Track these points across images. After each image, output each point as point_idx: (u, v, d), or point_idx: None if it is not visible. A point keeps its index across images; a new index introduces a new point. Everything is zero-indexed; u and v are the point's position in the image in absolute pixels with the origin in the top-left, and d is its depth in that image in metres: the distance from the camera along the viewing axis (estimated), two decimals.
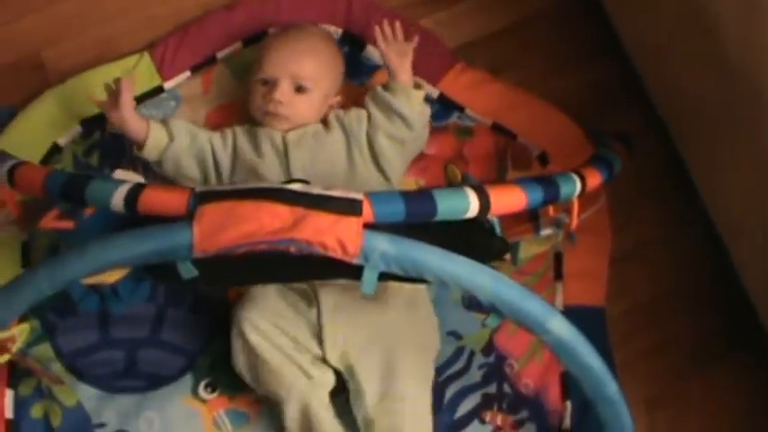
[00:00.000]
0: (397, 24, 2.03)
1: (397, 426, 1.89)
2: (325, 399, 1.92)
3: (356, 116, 2.06)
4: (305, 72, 2.03)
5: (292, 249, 1.52)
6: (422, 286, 2.02)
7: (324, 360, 1.93)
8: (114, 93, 1.96)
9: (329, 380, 1.93)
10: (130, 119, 1.97)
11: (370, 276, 1.57)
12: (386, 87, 2.03)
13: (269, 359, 1.89)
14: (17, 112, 2.18)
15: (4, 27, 2.28)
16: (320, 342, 1.92)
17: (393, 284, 1.89)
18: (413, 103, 2.02)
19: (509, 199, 1.66)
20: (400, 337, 1.94)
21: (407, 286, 1.95)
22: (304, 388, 1.89)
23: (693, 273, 2.26)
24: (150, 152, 2.01)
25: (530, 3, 2.40)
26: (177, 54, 2.23)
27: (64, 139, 2.18)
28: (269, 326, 1.90)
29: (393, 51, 2.01)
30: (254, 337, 1.89)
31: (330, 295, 1.93)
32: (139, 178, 1.78)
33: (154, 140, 2.00)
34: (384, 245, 1.53)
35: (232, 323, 1.93)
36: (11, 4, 2.29)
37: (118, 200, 1.56)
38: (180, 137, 2.03)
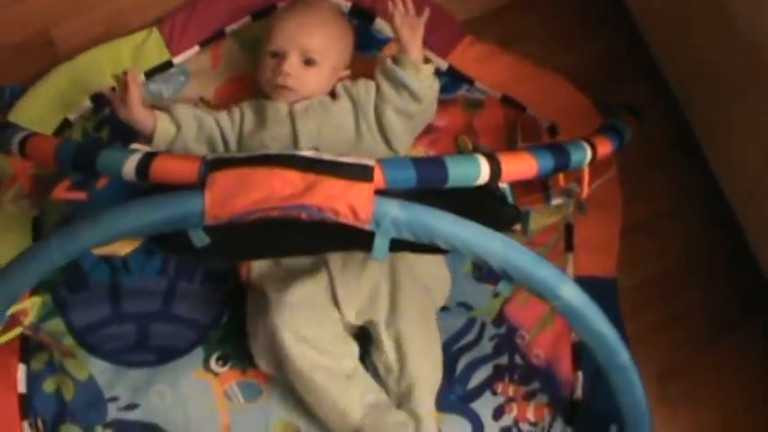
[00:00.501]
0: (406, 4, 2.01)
1: (414, 376, 1.92)
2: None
3: (364, 87, 2.06)
4: (314, 45, 2.02)
5: (303, 216, 1.52)
6: None
7: (345, 324, 1.95)
8: (121, 89, 1.94)
9: (355, 354, 1.96)
10: (138, 114, 1.95)
11: (381, 243, 1.57)
12: (395, 60, 2.02)
13: (314, 379, 1.90)
14: (27, 89, 2.18)
15: (14, 5, 2.28)
16: (337, 305, 1.94)
17: None
18: (422, 77, 2.01)
19: (520, 165, 1.66)
20: (409, 280, 1.97)
21: None
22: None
23: (704, 244, 2.26)
24: (159, 144, 1.99)
25: None
26: (186, 29, 2.23)
27: (74, 115, 2.18)
28: (301, 324, 1.90)
29: (406, 25, 1.99)
30: (290, 340, 1.88)
31: (337, 258, 1.95)
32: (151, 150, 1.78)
33: (161, 132, 1.99)
34: (395, 210, 1.53)
35: (272, 330, 1.90)
36: None
37: (129, 168, 1.56)
38: (187, 125, 2.02)
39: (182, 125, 2.00)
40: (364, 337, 1.99)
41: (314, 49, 2.03)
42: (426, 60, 2.05)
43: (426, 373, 1.95)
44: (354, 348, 1.96)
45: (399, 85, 2.01)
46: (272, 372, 1.98)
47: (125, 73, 1.93)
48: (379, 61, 2.05)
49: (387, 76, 2.03)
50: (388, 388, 1.94)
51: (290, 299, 1.89)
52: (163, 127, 1.99)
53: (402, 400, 1.93)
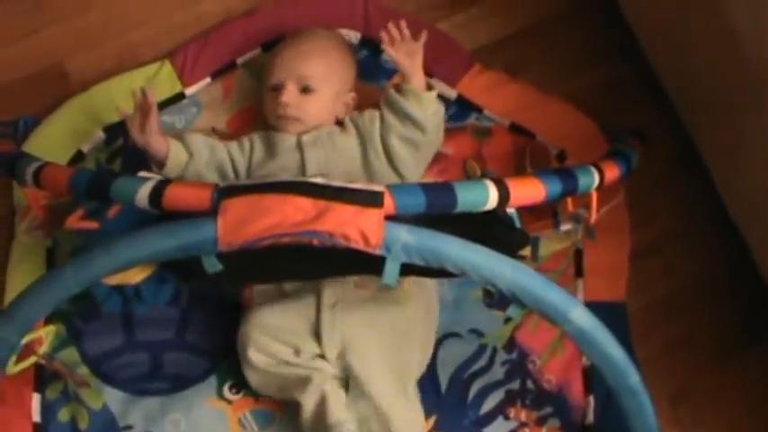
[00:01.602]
0: (403, 24, 1.98)
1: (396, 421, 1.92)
2: (336, 386, 1.92)
3: (369, 117, 2.06)
4: (309, 71, 2.04)
5: (315, 241, 1.53)
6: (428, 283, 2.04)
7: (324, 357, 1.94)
8: (140, 114, 1.96)
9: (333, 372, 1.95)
10: (153, 140, 1.97)
11: (392, 268, 1.58)
12: (398, 90, 2.02)
13: (277, 372, 1.92)
14: (41, 121, 2.21)
15: (28, 38, 2.31)
16: (319, 340, 1.93)
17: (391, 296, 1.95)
18: (425, 105, 2.00)
19: (528, 190, 1.67)
20: (398, 335, 1.95)
21: (408, 283, 1.98)
22: (316, 380, 1.89)
23: (711, 265, 2.26)
24: (171, 170, 2.00)
25: (545, 5, 2.41)
26: (198, 60, 2.26)
27: (87, 147, 2.21)
28: (269, 340, 1.92)
29: (402, 53, 1.97)
30: (256, 357, 1.92)
31: (331, 293, 1.94)
32: (162, 178, 1.79)
33: (174, 159, 2.00)
34: (405, 235, 1.54)
35: (237, 343, 1.96)
36: (34, 14, 2.32)
37: (143, 196, 1.58)
38: (199, 152, 2.03)
39: (194, 152, 2.01)
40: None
41: (310, 75, 2.04)
42: (429, 87, 2.03)
43: (411, 419, 1.96)
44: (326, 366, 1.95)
45: (402, 115, 2.00)
46: (272, 394, 1.99)
47: (143, 93, 1.95)
48: (384, 92, 2.06)
49: (390, 106, 2.03)
50: None
51: (267, 320, 1.92)
52: (176, 153, 2.00)
53: None
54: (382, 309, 1.95)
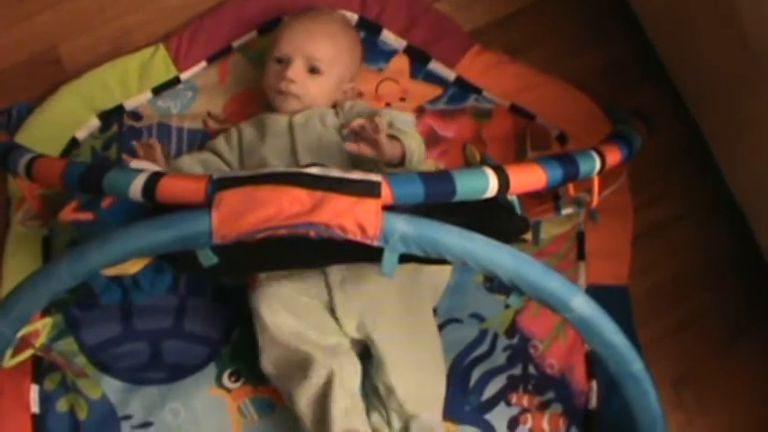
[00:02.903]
0: (359, 121, 1.84)
1: (416, 393, 1.91)
2: (349, 368, 1.91)
3: (356, 113, 2.05)
4: (319, 53, 2.03)
5: (312, 233, 1.51)
6: None
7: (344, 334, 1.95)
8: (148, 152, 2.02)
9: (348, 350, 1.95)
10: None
11: (390, 258, 1.56)
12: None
13: (295, 345, 1.90)
14: (35, 108, 2.20)
15: (21, 23, 2.30)
16: (336, 318, 1.93)
17: None
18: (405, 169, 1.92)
19: (528, 177, 1.64)
20: (408, 298, 1.96)
21: None
22: (325, 361, 1.87)
23: (715, 248, 2.25)
24: None
25: None
26: (192, 45, 2.24)
27: (82, 133, 2.19)
28: (288, 316, 1.91)
29: (364, 148, 1.84)
30: (276, 327, 1.91)
31: (336, 270, 1.94)
32: (157, 168, 1.78)
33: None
34: (403, 226, 1.52)
35: (253, 318, 1.94)
36: (26, 0, 2.29)
37: (136, 189, 1.55)
38: (193, 170, 2.05)
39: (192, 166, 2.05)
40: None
41: (320, 58, 2.03)
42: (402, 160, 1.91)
43: (429, 389, 1.95)
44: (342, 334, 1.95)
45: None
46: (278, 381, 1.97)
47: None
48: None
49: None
50: (391, 408, 1.92)
51: (282, 291, 1.92)
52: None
53: (409, 421, 1.91)
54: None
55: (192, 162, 2.06)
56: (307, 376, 1.85)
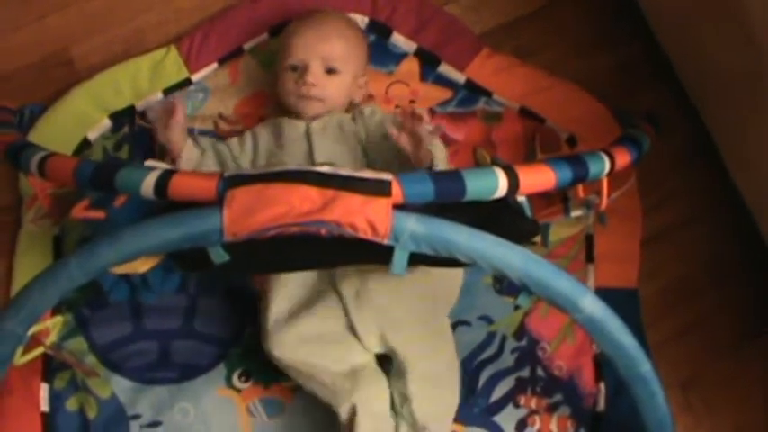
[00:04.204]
0: (411, 108, 1.91)
1: (430, 405, 1.91)
2: (375, 391, 1.92)
3: (370, 113, 2.07)
4: (334, 53, 2.03)
5: (323, 231, 1.51)
6: None
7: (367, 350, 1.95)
8: (167, 111, 1.96)
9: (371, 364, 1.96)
10: (177, 137, 1.98)
11: (400, 257, 1.56)
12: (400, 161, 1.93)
13: (318, 381, 1.92)
14: (47, 108, 2.20)
15: (33, 24, 2.30)
16: (354, 333, 1.93)
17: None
18: None
19: (538, 178, 1.64)
20: (424, 307, 1.96)
21: None
22: (347, 396, 1.89)
23: (724, 250, 2.25)
24: (183, 166, 2.01)
25: None
26: (204, 46, 2.24)
27: (93, 134, 2.20)
28: (304, 352, 1.91)
29: (406, 140, 1.83)
30: (288, 357, 1.92)
31: (350, 285, 1.94)
32: (169, 167, 1.78)
33: (188, 154, 2.01)
34: (414, 225, 1.52)
35: (261, 338, 1.94)
36: (38, 1, 2.31)
37: (148, 186, 1.55)
38: (208, 149, 2.06)
39: (205, 150, 2.04)
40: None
41: (335, 57, 2.03)
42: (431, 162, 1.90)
43: (444, 402, 1.95)
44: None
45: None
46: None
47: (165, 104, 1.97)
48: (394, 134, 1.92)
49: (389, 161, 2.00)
50: (401, 416, 1.92)
51: (300, 329, 1.92)
52: (189, 150, 2.01)
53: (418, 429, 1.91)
54: (400, 278, 1.92)
55: (208, 144, 2.07)
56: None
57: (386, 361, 1.97)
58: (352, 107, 2.11)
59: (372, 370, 1.94)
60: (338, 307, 1.93)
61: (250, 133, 2.09)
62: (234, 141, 2.08)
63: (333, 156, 1.99)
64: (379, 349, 1.95)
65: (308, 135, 2.02)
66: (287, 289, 1.95)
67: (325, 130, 2.03)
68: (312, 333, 1.91)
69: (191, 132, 2.13)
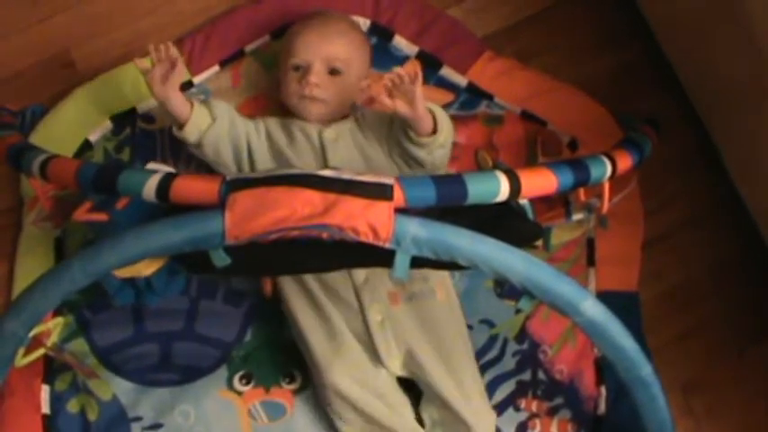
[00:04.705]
0: (398, 69, 1.81)
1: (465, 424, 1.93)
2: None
3: (376, 117, 2.06)
4: (338, 54, 2.02)
5: (324, 235, 1.52)
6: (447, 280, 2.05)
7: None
8: (162, 66, 1.88)
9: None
10: (175, 94, 1.90)
11: (402, 261, 1.56)
12: (404, 132, 1.94)
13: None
14: (48, 110, 2.20)
15: (35, 26, 2.30)
16: (378, 357, 1.93)
17: (427, 284, 1.97)
18: (431, 148, 1.93)
19: (540, 182, 1.65)
20: (447, 331, 1.97)
21: (438, 278, 1.99)
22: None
23: (726, 253, 2.25)
24: (191, 132, 1.95)
25: None
26: (205, 49, 2.24)
27: (95, 136, 2.20)
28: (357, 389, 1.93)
29: (400, 103, 1.82)
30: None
31: (375, 311, 1.94)
32: (171, 170, 1.78)
33: (196, 120, 1.94)
34: (415, 228, 1.52)
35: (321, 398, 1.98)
36: (41, 3, 2.31)
37: (150, 189, 1.56)
38: (221, 118, 1.98)
39: (217, 117, 1.97)
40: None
41: (338, 58, 2.02)
42: (435, 126, 1.91)
43: (485, 418, 1.97)
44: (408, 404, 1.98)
45: (408, 157, 1.97)
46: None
47: (165, 46, 1.88)
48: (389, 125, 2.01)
49: (396, 146, 2.00)
50: None
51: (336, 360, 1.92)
52: (198, 115, 1.95)
53: None
54: (423, 307, 1.97)
55: (225, 115, 2.01)
56: None
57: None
58: (353, 109, 2.10)
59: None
60: (362, 330, 1.95)
61: (262, 122, 2.07)
62: (251, 126, 2.05)
63: (347, 164, 1.97)
64: (401, 372, 1.96)
65: (321, 143, 2.01)
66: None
67: (339, 139, 2.02)
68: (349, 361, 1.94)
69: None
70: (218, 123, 1.97)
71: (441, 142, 1.91)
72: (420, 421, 1.97)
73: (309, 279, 1.94)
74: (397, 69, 1.80)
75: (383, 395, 1.93)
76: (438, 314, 1.97)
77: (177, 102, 1.92)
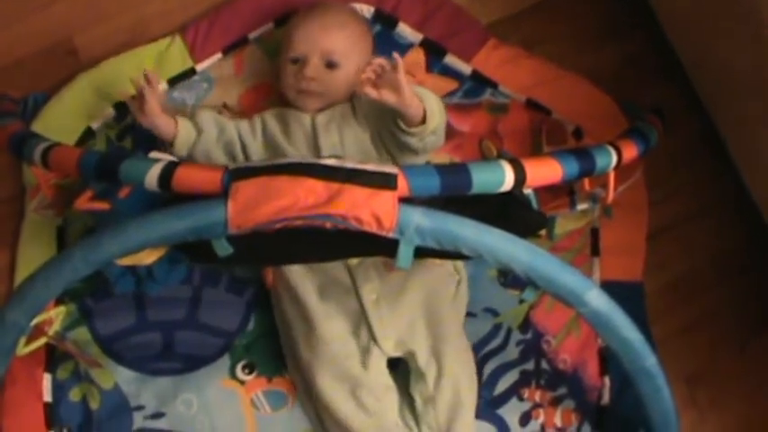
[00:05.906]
0: (378, 60, 1.80)
1: (452, 404, 1.91)
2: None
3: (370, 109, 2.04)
4: (335, 47, 2.01)
5: (328, 224, 1.51)
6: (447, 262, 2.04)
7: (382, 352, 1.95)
8: (139, 97, 1.90)
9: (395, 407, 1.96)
10: (158, 120, 1.92)
11: (405, 251, 1.56)
12: (394, 121, 1.91)
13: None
14: (50, 97, 2.19)
15: (37, 13, 2.28)
16: (373, 338, 1.93)
17: (422, 267, 1.95)
18: (422, 136, 1.91)
19: (544, 171, 1.64)
20: (441, 312, 1.96)
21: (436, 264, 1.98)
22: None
23: (731, 244, 2.25)
24: (180, 149, 1.98)
25: None
26: (209, 36, 2.23)
27: (97, 124, 2.19)
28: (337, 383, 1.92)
29: (385, 92, 1.80)
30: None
31: (370, 291, 1.94)
32: (173, 159, 1.77)
33: (183, 137, 1.96)
34: (419, 218, 1.52)
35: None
36: None
37: (152, 178, 1.56)
38: (208, 129, 2.00)
39: (203, 130, 1.99)
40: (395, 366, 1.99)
41: (335, 51, 2.01)
42: (423, 120, 1.88)
43: (469, 399, 1.95)
44: (395, 400, 1.96)
45: (400, 144, 1.95)
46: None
47: (145, 77, 1.90)
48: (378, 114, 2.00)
49: (387, 136, 1.99)
50: (425, 422, 1.92)
51: (323, 340, 1.92)
52: (184, 132, 1.97)
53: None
54: (417, 282, 1.97)
55: (212, 125, 2.03)
56: None
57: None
58: (354, 98, 2.08)
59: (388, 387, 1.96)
60: (357, 311, 1.95)
61: (259, 119, 2.07)
62: (245, 126, 2.05)
63: (339, 149, 1.98)
64: (394, 353, 1.95)
65: (313, 129, 2.01)
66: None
67: (330, 124, 2.01)
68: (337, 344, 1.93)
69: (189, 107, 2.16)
70: (204, 137, 1.99)
71: (432, 129, 1.89)
72: (411, 402, 1.95)
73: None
74: (377, 60, 1.80)
75: (372, 390, 1.92)
76: (430, 275, 1.98)
77: (162, 126, 1.94)
